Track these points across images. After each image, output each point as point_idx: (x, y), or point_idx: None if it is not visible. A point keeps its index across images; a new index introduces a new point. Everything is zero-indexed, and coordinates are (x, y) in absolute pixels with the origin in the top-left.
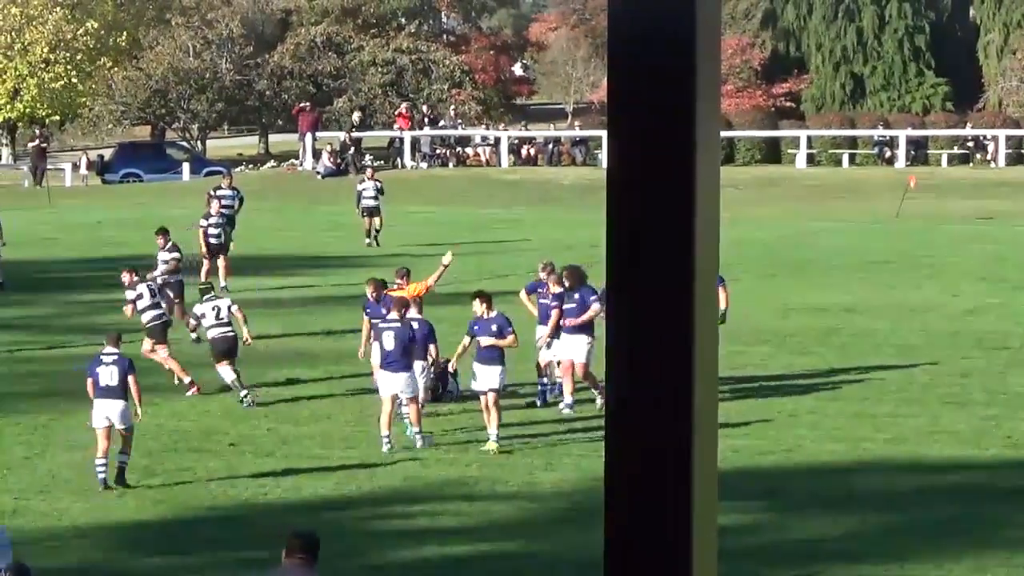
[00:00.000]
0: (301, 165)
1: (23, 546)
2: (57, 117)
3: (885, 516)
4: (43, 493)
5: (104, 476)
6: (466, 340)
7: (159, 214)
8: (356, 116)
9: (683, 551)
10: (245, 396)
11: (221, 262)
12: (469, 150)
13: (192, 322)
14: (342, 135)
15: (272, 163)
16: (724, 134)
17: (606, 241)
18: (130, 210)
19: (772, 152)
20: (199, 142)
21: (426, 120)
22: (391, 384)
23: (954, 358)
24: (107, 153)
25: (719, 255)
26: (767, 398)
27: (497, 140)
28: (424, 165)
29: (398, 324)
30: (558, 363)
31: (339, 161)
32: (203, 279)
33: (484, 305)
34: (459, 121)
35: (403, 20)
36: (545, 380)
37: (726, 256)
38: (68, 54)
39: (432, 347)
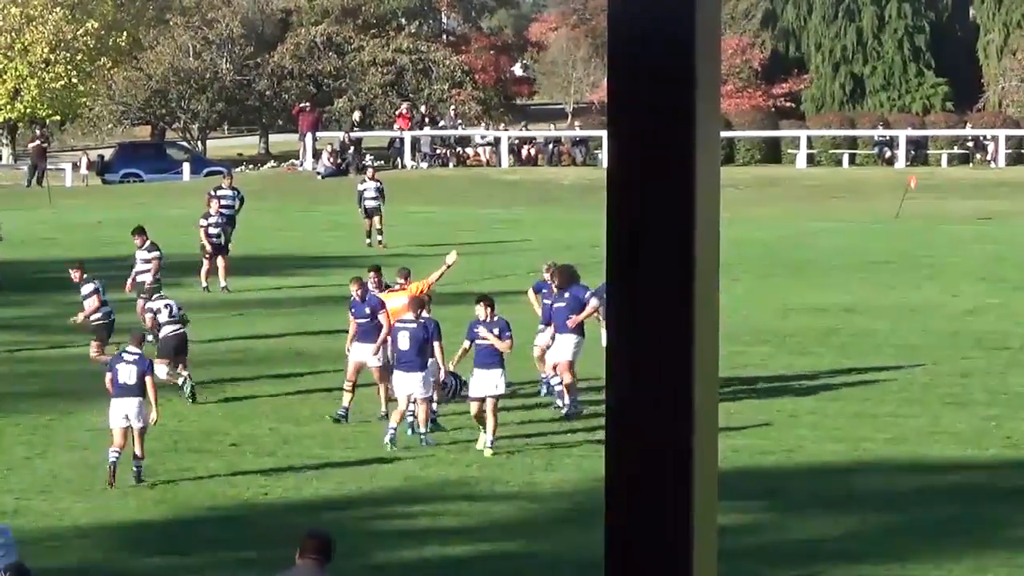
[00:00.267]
0: (301, 165)
1: (24, 546)
2: (57, 117)
3: (885, 516)
4: (44, 493)
5: (114, 467)
6: (466, 344)
7: (159, 214)
8: (356, 115)
9: (683, 551)
10: (185, 384)
11: (221, 262)
12: (469, 150)
13: (149, 317)
14: (342, 135)
15: (272, 163)
16: (724, 134)
17: (606, 241)
18: (130, 210)
19: (772, 152)
20: (199, 142)
21: (426, 120)
22: (406, 384)
23: (954, 358)
24: (107, 153)
25: (719, 255)
26: (767, 398)
27: (497, 140)
28: (424, 165)
29: (414, 324)
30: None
31: (339, 161)
32: (203, 279)
33: (487, 309)
34: (459, 121)
35: (403, 20)
36: (545, 373)
37: (726, 256)
38: (68, 54)
39: (436, 345)
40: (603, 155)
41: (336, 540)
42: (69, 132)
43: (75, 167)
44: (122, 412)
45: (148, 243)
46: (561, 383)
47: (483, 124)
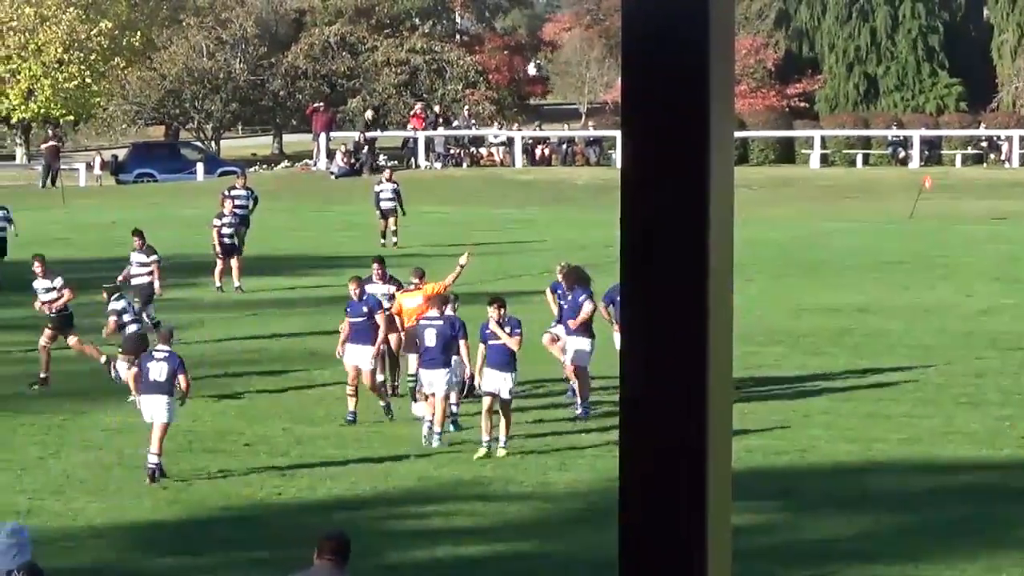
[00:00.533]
0: (315, 165)
1: (38, 546)
2: (71, 117)
3: (899, 516)
4: (57, 493)
5: (153, 468)
6: (481, 347)
7: (173, 214)
8: (368, 114)
9: (698, 551)
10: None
11: (234, 262)
12: (483, 150)
13: (113, 319)
14: (356, 135)
15: (286, 163)
16: (738, 134)
17: (620, 241)
18: (144, 210)
19: (786, 152)
20: (213, 142)
21: (440, 120)
22: (432, 381)
23: (968, 358)
24: (121, 153)
25: (733, 255)
26: (781, 398)
27: (511, 140)
28: (438, 165)
29: (440, 321)
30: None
31: (353, 161)
32: (217, 279)
33: (499, 310)
34: (473, 121)
35: (417, 20)
36: (573, 384)
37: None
38: (82, 54)
39: (462, 343)
40: (617, 155)
41: (350, 540)
42: (83, 132)
43: (89, 167)
44: (151, 409)
45: (145, 246)
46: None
47: (497, 124)
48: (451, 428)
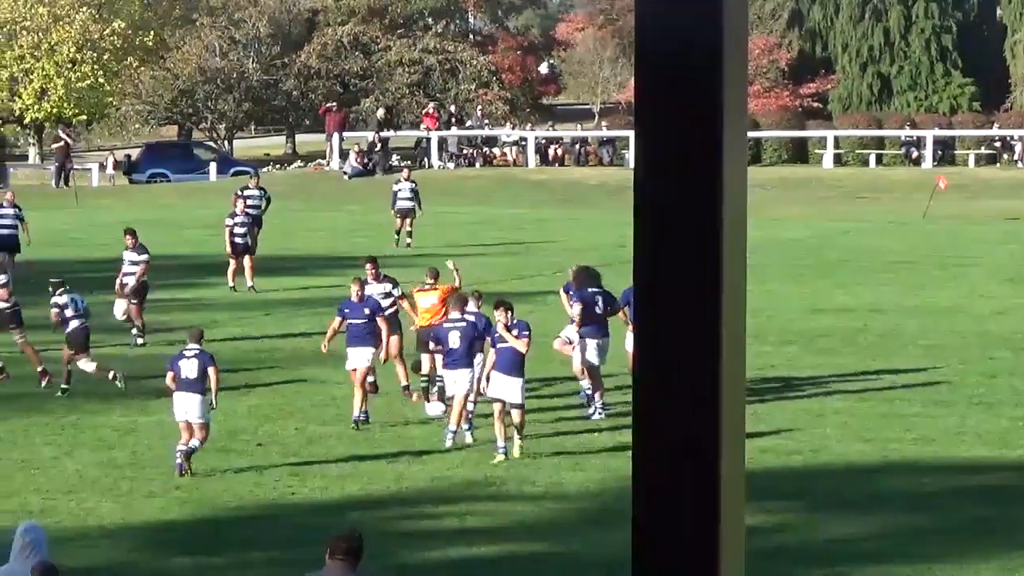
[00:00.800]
0: (328, 165)
1: (50, 546)
2: (84, 117)
3: (912, 516)
4: (71, 493)
5: (181, 462)
6: (492, 352)
7: (186, 214)
8: (381, 112)
9: (710, 551)
10: (116, 376)
11: (247, 262)
12: (496, 150)
13: (55, 312)
14: (370, 135)
15: (299, 163)
16: (751, 134)
17: (633, 241)
18: (157, 210)
19: (799, 152)
20: (226, 142)
21: (453, 120)
22: (455, 380)
23: (981, 359)
24: (134, 153)
25: (746, 255)
26: (794, 399)
27: (524, 140)
28: (451, 165)
29: (463, 322)
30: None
31: (366, 161)
32: (230, 279)
33: (507, 313)
34: (486, 121)
35: (430, 20)
36: (585, 383)
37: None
38: (95, 54)
39: (489, 341)
40: (630, 155)
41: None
42: (96, 132)
43: (102, 167)
44: (183, 407)
45: (137, 245)
46: (590, 387)
47: (510, 124)
48: (466, 431)
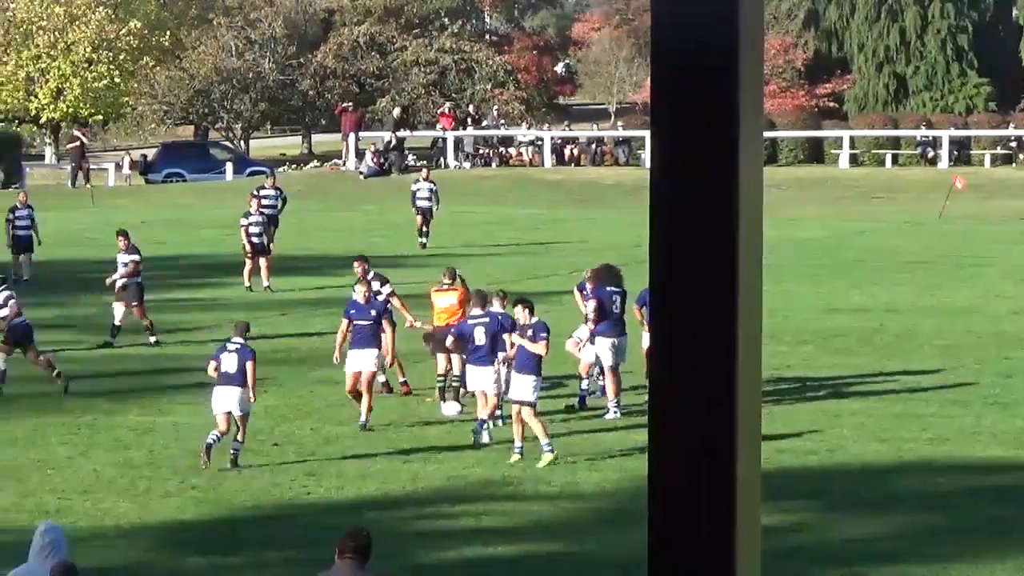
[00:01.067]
0: (344, 165)
1: (67, 545)
2: (100, 117)
3: (928, 516)
4: (87, 493)
5: (210, 448)
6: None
7: (202, 214)
8: (396, 111)
9: (726, 551)
10: (58, 375)
11: (263, 262)
12: (512, 150)
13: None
14: (386, 135)
15: (315, 163)
16: (767, 134)
17: (649, 241)
18: (173, 210)
19: (815, 152)
20: (242, 142)
21: (469, 120)
22: (478, 379)
23: (997, 359)
24: (150, 153)
25: (762, 255)
26: (810, 399)
27: (540, 140)
28: (467, 165)
29: (486, 319)
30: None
31: (382, 161)
32: (246, 279)
33: (526, 311)
34: (502, 121)
35: (446, 20)
36: (586, 384)
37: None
38: (111, 54)
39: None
40: (646, 155)
41: (377, 540)
42: (112, 132)
43: (118, 167)
44: (222, 399)
45: (130, 246)
46: (601, 384)
47: (526, 124)
48: (499, 423)
